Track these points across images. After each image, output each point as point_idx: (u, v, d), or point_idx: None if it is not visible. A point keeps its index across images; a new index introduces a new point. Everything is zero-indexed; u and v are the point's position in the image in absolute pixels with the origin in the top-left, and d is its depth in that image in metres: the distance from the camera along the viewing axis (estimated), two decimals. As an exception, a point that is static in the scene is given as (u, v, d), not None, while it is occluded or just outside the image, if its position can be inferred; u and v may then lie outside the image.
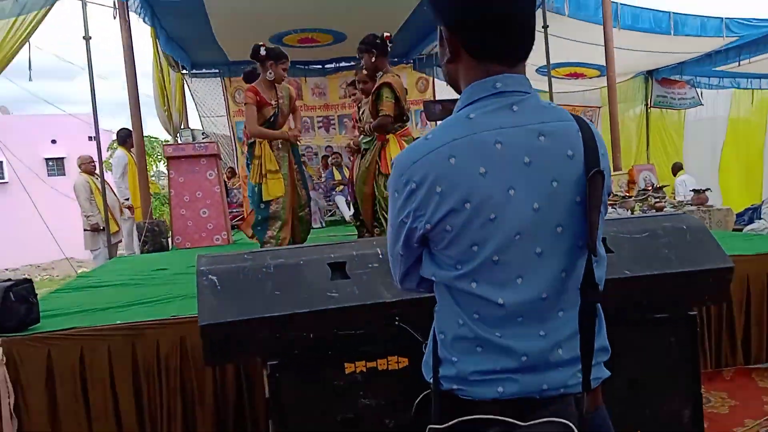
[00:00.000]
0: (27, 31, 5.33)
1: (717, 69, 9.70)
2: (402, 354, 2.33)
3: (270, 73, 4.46)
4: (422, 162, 1.08)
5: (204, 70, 11.84)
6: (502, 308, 1.07)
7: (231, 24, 8.64)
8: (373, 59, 4.44)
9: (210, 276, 2.28)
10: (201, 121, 12.09)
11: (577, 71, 10.02)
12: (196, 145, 6.99)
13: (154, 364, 2.67)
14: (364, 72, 4.92)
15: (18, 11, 5.25)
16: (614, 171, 6.93)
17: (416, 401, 1.29)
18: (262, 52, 4.47)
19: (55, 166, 29.26)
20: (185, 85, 11.42)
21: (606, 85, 7.94)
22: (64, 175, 27.68)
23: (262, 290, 2.27)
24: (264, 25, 8.76)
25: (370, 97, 4.55)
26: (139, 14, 6.82)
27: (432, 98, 12.55)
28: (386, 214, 4.50)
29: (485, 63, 1.10)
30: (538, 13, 7.00)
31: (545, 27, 6.79)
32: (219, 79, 11.92)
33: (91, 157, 7.42)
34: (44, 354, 2.59)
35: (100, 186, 7.07)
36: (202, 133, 8.74)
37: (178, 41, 9.50)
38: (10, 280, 2.71)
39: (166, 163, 6.89)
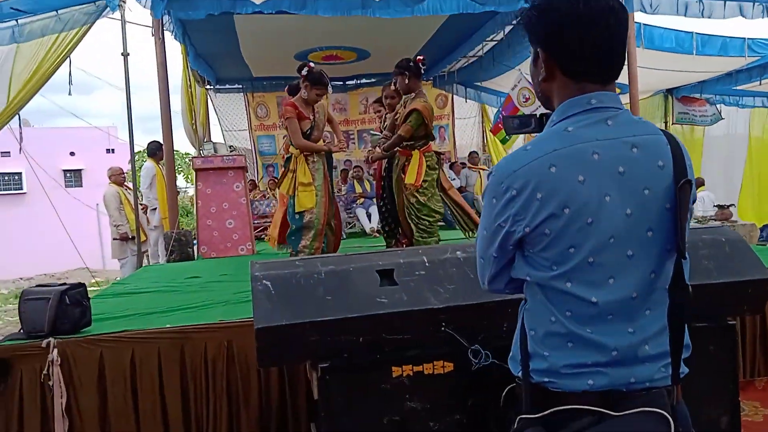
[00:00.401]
0: (69, 47, 5.50)
1: (737, 88, 9.75)
2: (447, 359, 2.40)
3: (305, 93, 4.60)
4: (523, 170, 1.16)
5: (227, 86, 12.05)
6: (595, 306, 1.14)
7: (258, 41, 8.82)
8: (407, 81, 4.60)
9: (264, 281, 2.36)
10: (223, 135, 12.27)
11: (597, 89, 10.08)
12: (225, 157, 7.13)
13: (202, 366, 2.75)
14: (392, 88, 5.08)
15: (60, 28, 5.43)
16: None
17: (503, 394, 1.34)
18: (304, 71, 4.59)
19: (73, 177, 29.71)
20: (209, 100, 11.63)
21: (628, 102, 8.00)
22: (81, 186, 28.13)
23: (313, 295, 2.35)
24: (290, 42, 8.93)
25: (399, 113, 4.72)
26: (172, 32, 6.99)
27: (450, 113, 12.69)
28: (416, 219, 4.60)
29: (581, 82, 1.20)
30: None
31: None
32: (242, 94, 12.14)
33: (121, 169, 7.58)
34: (97, 356, 2.68)
35: (128, 196, 7.21)
36: (229, 147, 8.89)
37: (205, 57, 9.71)
38: (65, 284, 2.81)
39: (187, 175, 7.02)
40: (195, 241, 7.21)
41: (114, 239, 7.24)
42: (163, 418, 2.72)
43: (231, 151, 8.05)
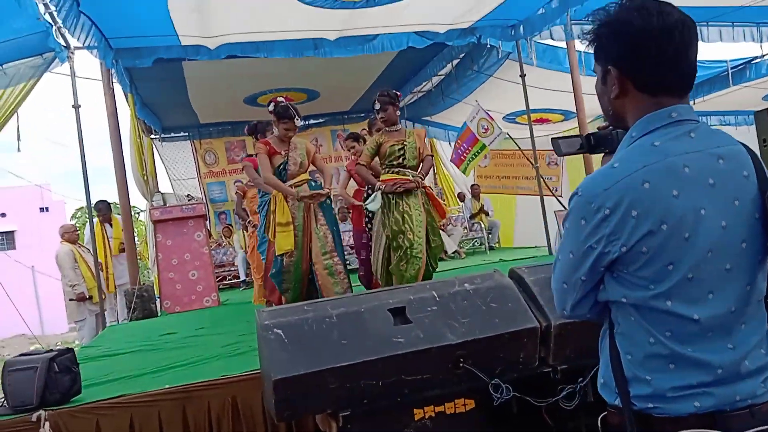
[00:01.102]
0: (15, 102, 5.28)
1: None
2: (468, 396, 2.36)
3: (275, 130, 4.55)
4: (615, 188, 1.14)
5: (173, 134, 11.85)
6: (697, 324, 1.13)
7: (206, 86, 8.75)
8: (397, 112, 4.58)
9: (276, 330, 2.26)
10: (172, 184, 12.01)
11: (542, 117, 10.43)
12: (184, 207, 6.94)
13: (206, 426, 2.61)
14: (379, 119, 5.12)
15: (6, 83, 5.21)
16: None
17: (599, 419, 1.30)
18: (270, 107, 4.55)
19: (5, 239, 28.37)
20: (155, 150, 11.37)
21: (576, 126, 8.28)
22: (15, 248, 26.81)
23: (328, 340, 2.27)
24: (239, 86, 8.90)
25: (416, 139, 4.64)
26: (120, 82, 6.85)
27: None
28: (433, 259, 4.50)
29: (657, 96, 1.20)
30: (515, 64, 7.30)
31: (522, 76, 7.10)
32: (189, 141, 11.95)
33: (74, 226, 7.27)
34: (93, 425, 2.50)
35: (83, 254, 6.92)
36: (187, 195, 8.68)
37: (152, 106, 9.56)
38: (51, 350, 2.63)
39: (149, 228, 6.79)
40: (157, 297, 6.95)
41: (70, 300, 6.88)
42: (168, 485, 2.56)
43: (189, 200, 7.84)
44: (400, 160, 4.52)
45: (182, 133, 11.92)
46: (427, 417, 2.31)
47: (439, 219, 4.78)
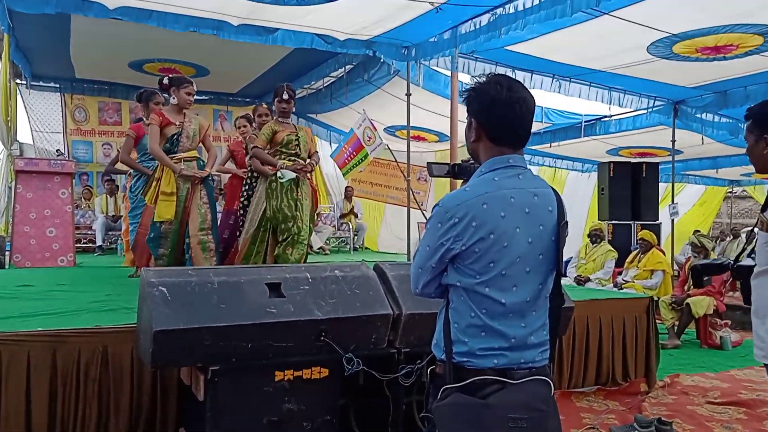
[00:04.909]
0: None
1: (532, 148, 11.34)
2: (324, 365, 2.73)
3: (173, 99, 4.63)
4: (464, 205, 1.58)
5: (41, 83, 11.14)
6: (503, 306, 1.58)
7: (92, 43, 8.42)
8: (294, 107, 4.91)
9: (160, 287, 2.50)
10: (32, 135, 11.29)
11: (419, 134, 11.11)
12: (52, 161, 6.70)
13: (74, 371, 2.75)
14: (264, 106, 5.51)
15: None
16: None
17: (428, 371, 1.72)
18: (165, 81, 4.65)
19: None
20: (18, 96, 10.65)
21: (448, 149, 8.98)
22: None
23: (208, 302, 2.55)
24: (127, 49, 8.64)
25: (304, 133, 4.99)
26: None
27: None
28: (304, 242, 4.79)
29: (501, 146, 1.66)
30: (402, 82, 7.80)
31: (408, 95, 7.61)
32: (59, 94, 11.29)
33: None
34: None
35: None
36: (57, 151, 8.28)
37: (25, 50, 9.00)
38: None
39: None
40: (7, 249, 6.65)
41: None
42: (27, 423, 2.66)
43: (59, 155, 7.52)
44: (297, 150, 4.84)
45: (52, 84, 11.21)
46: (286, 379, 2.64)
47: (314, 209, 5.12)
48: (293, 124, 5.03)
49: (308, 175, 4.94)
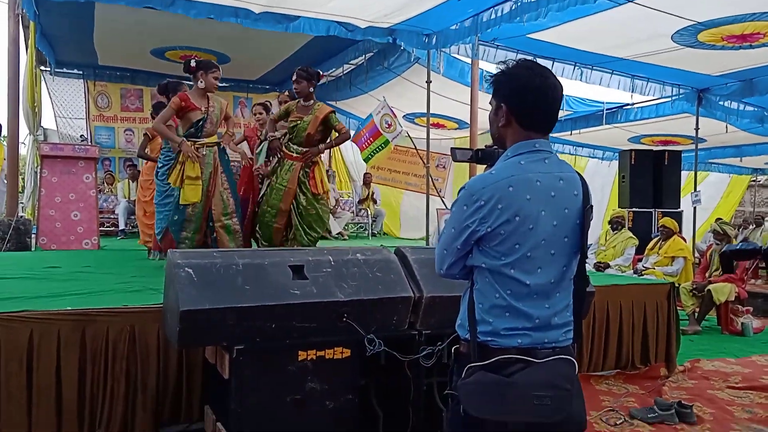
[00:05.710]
0: None
1: (552, 135, 11.26)
2: (346, 346, 2.77)
3: (201, 82, 4.64)
4: (490, 188, 1.60)
5: (65, 69, 11.29)
6: (528, 287, 1.60)
7: (116, 30, 8.51)
8: (311, 88, 4.88)
9: (187, 269, 2.56)
10: (56, 121, 11.48)
11: (439, 122, 11.09)
12: (77, 146, 6.83)
13: (102, 349, 2.82)
14: (286, 93, 5.47)
15: None
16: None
17: (452, 350, 1.75)
18: (193, 64, 4.66)
19: None
20: (43, 83, 10.81)
21: (468, 136, 8.97)
22: None
23: (233, 284, 2.60)
24: (150, 36, 8.74)
25: (312, 119, 4.88)
26: (26, 8, 6.59)
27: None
28: (307, 227, 4.85)
29: (529, 131, 1.67)
30: (423, 70, 7.80)
31: (428, 82, 7.61)
32: (83, 80, 11.45)
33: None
34: (-9, 335, 2.64)
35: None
36: (81, 136, 8.41)
37: (49, 38, 9.12)
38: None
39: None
40: (33, 232, 6.79)
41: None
42: (57, 399, 2.74)
43: (83, 141, 7.65)
44: (292, 135, 4.95)
45: (76, 71, 11.38)
46: (309, 359, 2.69)
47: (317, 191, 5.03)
48: (313, 108, 4.94)
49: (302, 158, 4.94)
